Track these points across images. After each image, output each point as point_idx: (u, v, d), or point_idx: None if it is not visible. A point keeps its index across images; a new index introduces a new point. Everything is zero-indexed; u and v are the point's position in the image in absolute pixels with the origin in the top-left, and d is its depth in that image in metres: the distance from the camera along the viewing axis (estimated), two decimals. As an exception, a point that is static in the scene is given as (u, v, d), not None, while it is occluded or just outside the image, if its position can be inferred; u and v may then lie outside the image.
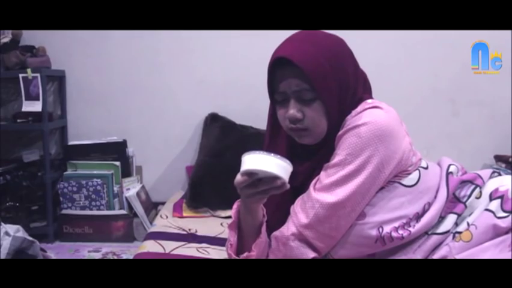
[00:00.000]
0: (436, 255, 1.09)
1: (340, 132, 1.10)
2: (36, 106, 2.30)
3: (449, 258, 1.06)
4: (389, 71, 2.45)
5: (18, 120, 2.40)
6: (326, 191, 1.08)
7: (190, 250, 1.54)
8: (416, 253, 1.10)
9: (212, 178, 2.11)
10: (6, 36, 2.33)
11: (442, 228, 1.10)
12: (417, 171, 1.13)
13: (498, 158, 2.41)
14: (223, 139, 2.28)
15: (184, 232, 1.79)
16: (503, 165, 2.36)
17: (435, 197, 1.13)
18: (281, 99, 1.12)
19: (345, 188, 1.06)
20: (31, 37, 2.45)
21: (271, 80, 1.14)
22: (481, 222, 1.07)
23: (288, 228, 1.12)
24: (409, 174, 1.12)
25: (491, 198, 1.11)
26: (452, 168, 1.19)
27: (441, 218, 1.12)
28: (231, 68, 2.50)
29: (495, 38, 2.02)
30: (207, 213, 2.06)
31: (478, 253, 1.04)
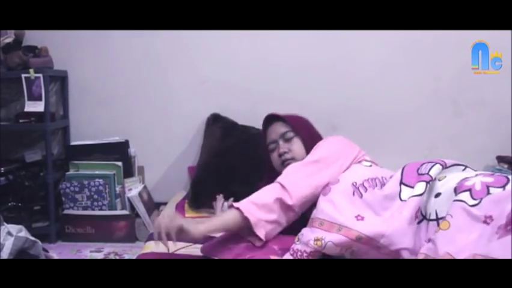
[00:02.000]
0: (423, 249, 1.16)
1: None
2: (38, 106, 2.31)
3: (435, 248, 1.11)
4: (390, 72, 2.44)
5: (21, 121, 2.41)
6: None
7: (195, 250, 1.54)
8: (403, 211, 1.25)
9: (214, 178, 2.11)
10: (9, 37, 2.34)
11: (416, 191, 1.27)
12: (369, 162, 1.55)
13: (500, 159, 2.40)
14: (225, 139, 2.29)
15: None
16: (506, 166, 2.35)
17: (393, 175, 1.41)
18: (273, 147, 1.71)
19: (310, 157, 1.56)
20: (33, 37, 2.45)
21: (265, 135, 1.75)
22: (455, 211, 1.15)
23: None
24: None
25: (457, 192, 1.19)
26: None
27: (412, 187, 1.30)
28: (233, 69, 2.50)
29: (495, 38, 2.02)
30: (209, 213, 2.05)
31: (455, 234, 1.10)
